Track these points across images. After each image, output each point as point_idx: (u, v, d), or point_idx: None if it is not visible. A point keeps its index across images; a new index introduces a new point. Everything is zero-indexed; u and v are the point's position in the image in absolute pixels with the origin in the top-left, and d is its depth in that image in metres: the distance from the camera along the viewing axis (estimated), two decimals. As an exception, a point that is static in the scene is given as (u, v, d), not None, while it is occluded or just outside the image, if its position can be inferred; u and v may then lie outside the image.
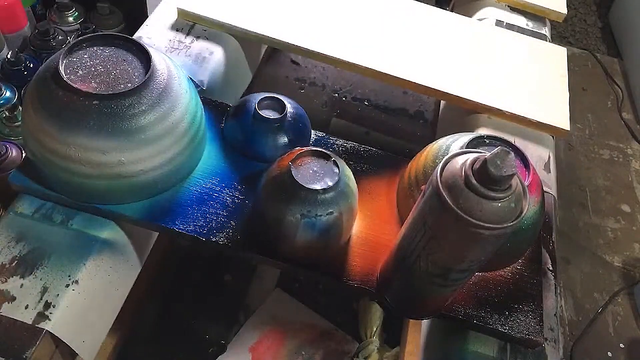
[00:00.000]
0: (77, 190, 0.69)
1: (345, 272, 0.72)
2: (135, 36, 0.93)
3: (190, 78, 0.85)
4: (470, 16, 1.20)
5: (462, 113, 1.00)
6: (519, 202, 0.53)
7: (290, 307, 1.06)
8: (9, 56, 1.04)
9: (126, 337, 0.96)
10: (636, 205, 1.52)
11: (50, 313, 0.64)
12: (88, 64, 0.68)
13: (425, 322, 0.77)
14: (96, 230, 0.71)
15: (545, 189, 0.83)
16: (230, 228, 0.73)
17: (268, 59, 1.44)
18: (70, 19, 1.19)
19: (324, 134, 0.86)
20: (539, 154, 0.93)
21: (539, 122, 0.94)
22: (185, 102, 0.71)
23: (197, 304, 1.05)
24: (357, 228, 0.76)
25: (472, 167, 0.52)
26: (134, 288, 0.80)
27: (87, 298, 0.68)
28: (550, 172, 0.92)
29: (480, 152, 0.54)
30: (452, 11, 1.32)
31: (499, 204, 0.52)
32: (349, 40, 0.98)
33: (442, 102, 1.23)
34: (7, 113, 0.97)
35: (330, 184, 0.66)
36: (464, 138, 0.73)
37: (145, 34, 0.95)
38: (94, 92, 0.64)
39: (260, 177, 0.71)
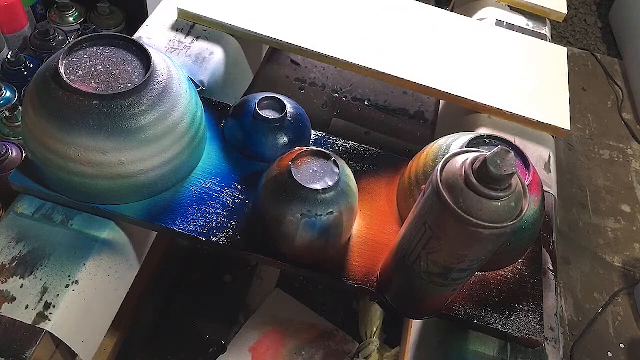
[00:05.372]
0: (77, 190, 0.69)
1: (345, 272, 0.72)
2: (135, 36, 0.93)
3: (190, 78, 0.85)
4: (470, 16, 1.20)
5: (462, 112, 1.00)
6: (519, 201, 0.53)
7: (290, 307, 1.05)
8: (9, 56, 1.04)
9: (126, 337, 0.96)
10: (636, 205, 1.52)
11: (50, 313, 0.64)
12: (88, 64, 0.68)
13: (425, 322, 0.77)
14: (96, 230, 0.71)
15: (545, 188, 0.83)
16: (230, 228, 0.72)
17: (268, 59, 1.44)
18: (70, 19, 1.20)
19: (324, 134, 0.86)
20: (539, 153, 0.93)
21: (539, 121, 0.94)
22: (185, 102, 0.71)
23: (197, 304, 1.05)
24: (357, 228, 0.76)
25: (472, 166, 0.52)
26: (134, 288, 0.80)
27: (86, 298, 0.68)
28: (550, 171, 0.92)
29: (480, 152, 0.54)
30: (452, 11, 1.32)
31: (499, 203, 0.52)
32: (349, 40, 0.98)
33: (442, 102, 1.24)
34: (7, 113, 0.97)
35: (330, 183, 0.66)
36: (464, 137, 0.73)
37: (145, 34, 0.95)
38: (94, 92, 0.64)
39: (260, 177, 0.71)
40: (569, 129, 0.95)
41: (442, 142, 0.75)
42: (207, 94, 0.90)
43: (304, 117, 0.82)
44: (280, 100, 0.79)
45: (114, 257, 0.72)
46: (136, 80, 0.67)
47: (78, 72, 0.67)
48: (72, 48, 0.68)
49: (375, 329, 1.00)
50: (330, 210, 0.65)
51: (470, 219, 0.51)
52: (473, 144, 0.71)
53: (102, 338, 0.74)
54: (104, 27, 1.20)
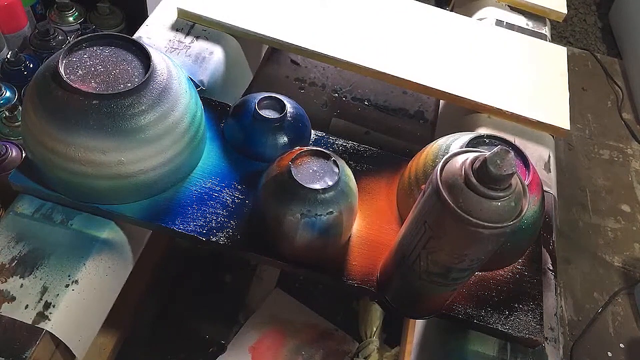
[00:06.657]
0: (77, 190, 0.69)
1: (345, 272, 0.72)
2: (135, 36, 0.93)
3: (190, 78, 0.85)
4: (470, 16, 1.20)
5: (462, 112, 1.00)
6: (519, 201, 0.53)
7: (290, 307, 1.05)
8: (9, 56, 1.04)
9: (126, 337, 0.96)
10: (636, 205, 1.52)
11: (50, 313, 0.64)
12: (88, 63, 0.68)
13: (425, 322, 0.77)
14: (96, 230, 0.71)
15: (545, 188, 0.83)
16: (230, 228, 0.72)
17: (268, 59, 1.44)
18: (70, 19, 1.20)
19: (324, 134, 0.86)
20: (539, 153, 0.93)
21: (538, 121, 0.94)
22: (185, 102, 0.71)
23: (197, 304, 1.05)
24: (357, 228, 0.76)
25: (472, 166, 0.52)
26: (134, 288, 0.80)
27: (86, 298, 0.68)
28: (550, 171, 0.92)
29: (480, 152, 0.54)
30: (452, 11, 1.32)
31: (499, 203, 0.52)
32: (349, 40, 0.98)
33: (442, 102, 1.24)
34: (7, 113, 0.97)
35: (330, 183, 0.66)
36: (464, 137, 0.73)
37: (145, 34, 0.95)
38: (94, 92, 0.64)
39: (260, 177, 0.71)
40: (569, 129, 0.95)
41: (442, 142, 0.75)
42: (207, 94, 0.90)
43: (304, 117, 0.82)
44: (280, 100, 0.79)
45: (113, 257, 0.72)
46: (136, 80, 0.67)
47: (78, 72, 0.66)
48: (72, 48, 0.68)
49: (375, 329, 1.00)
50: (330, 210, 0.65)
51: (470, 219, 0.51)
52: (473, 144, 0.71)
53: (94, 336, 0.74)
54: (104, 27, 1.20)
